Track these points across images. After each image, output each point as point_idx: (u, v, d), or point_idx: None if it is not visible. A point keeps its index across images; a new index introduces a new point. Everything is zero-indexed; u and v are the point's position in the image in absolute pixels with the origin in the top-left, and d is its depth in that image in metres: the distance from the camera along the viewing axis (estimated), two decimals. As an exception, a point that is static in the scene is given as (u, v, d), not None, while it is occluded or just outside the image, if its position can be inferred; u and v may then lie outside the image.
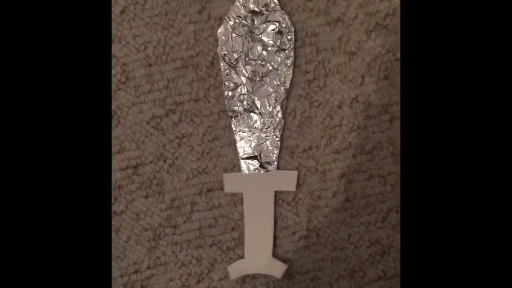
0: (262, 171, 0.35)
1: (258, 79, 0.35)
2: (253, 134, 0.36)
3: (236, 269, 0.36)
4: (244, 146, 0.36)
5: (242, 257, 0.36)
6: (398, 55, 0.35)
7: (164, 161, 0.36)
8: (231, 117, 0.36)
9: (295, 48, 0.35)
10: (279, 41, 0.35)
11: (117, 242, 0.37)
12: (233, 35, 0.35)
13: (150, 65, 0.36)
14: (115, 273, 0.37)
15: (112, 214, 0.36)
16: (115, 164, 0.36)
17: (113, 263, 0.36)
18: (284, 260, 0.36)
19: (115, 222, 0.36)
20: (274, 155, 0.35)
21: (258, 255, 0.36)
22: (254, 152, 0.35)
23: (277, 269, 0.35)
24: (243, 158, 0.36)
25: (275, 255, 0.36)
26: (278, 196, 0.36)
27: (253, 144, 0.35)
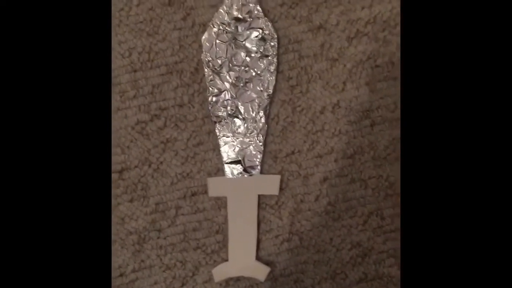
0: (245, 175, 0.36)
1: (241, 85, 0.36)
2: (237, 139, 0.36)
3: (220, 272, 0.36)
4: (228, 151, 0.36)
5: (226, 260, 0.37)
6: (379, 62, 0.36)
7: (149, 165, 0.37)
8: (215, 122, 0.36)
9: (278, 55, 0.36)
10: (262, 47, 0.36)
11: (102, 245, 0.37)
12: (217, 41, 0.36)
13: (135, 71, 0.36)
14: (100, 276, 0.37)
15: (97, 218, 0.37)
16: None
17: (98, 267, 0.37)
18: (267, 263, 0.36)
19: (100, 226, 0.37)
20: (258, 160, 0.36)
21: (241, 258, 0.36)
22: (237, 157, 0.36)
23: (260, 272, 0.36)
24: (227, 163, 0.36)
25: (258, 258, 0.37)
26: (261, 200, 0.37)
27: (236, 149, 0.36)
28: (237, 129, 0.36)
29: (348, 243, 0.37)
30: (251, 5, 0.36)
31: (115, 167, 0.37)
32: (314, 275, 0.37)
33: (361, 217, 0.37)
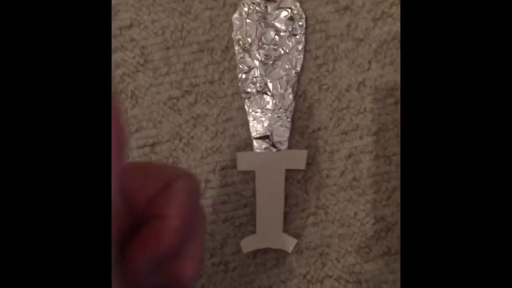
0: (273, 150, 0.37)
1: (270, 62, 0.37)
2: (265, 115, 0.37)
3: (248, 244, 0.37)
4: (256, 126, 0.37)
5: (254, 232, 0.38)
6: (403, 42, 0.37)
7: (180, 140, 0.38)
8: (245, 98, 0.37)
9: (306, 34, 0.37)
10: (290, 27, 0.37)
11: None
12: (247, 20, 0.37)
13: (168, 49, 0.38)
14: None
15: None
16: (133, 142, 0.38)
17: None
18: (293, 236, 0.38)
19: (132, 198, 0.38)
20: (285, 135, 0.37)
21: (269, 231, 0.37)
22: (266, 132, 0.37)
23: (288, 243, 0.37)
24: (255, 138, 0.37)
25: (285, 230, 0.38)
26: (288, 175, 0.38)
27: (265, 125, 0.37)
28: (265, 106, 0.37)
29: (372, 217, 0.38)
30: (280, -14, 0.37)
31: (147, 141, 0.38)
32: (339, 248, 0.38)
33: (385, 193, 0.38)
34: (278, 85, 0.37)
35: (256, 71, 0.37)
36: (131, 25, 0.38)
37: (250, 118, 0.37)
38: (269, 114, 0.37)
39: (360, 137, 0.38)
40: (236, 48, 0.37)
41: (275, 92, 0.37)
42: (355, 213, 0.38)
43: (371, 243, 0.38)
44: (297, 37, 0.37)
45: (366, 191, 0.38)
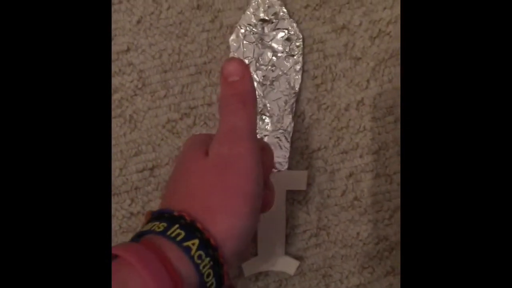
0: (274, 171, 0.37)
1: (268, 83, 0.37)
2: (265, 136, 0.37)
3: (250, 267, 0.37)
4: (256, 148, 0.37)
5: (256, 255, 0.37)
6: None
7: (179, 163, 0.38)
8: (243, 120, 0.37)
9: (303, 54, 0.37)
10: (288, 47, 0.37)
11: (134, 242, 0.38)
12: (244, 42, 0.37)
13: (166, 72, 0.38)
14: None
15: (129, 215, 0.38)
16: (132, 166, 0.38)
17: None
18: (295, 258, 0.37)
19: (132, 222, 0.38)
20: (285, 156, 0.37)
21: (271, 253, 0.37)
22: (265, 153, 0.37)
23: (290, 265, 0.37)
24: (255, 159, 0.37)
25: (287, 252, 0.37)
26: (289, 195, 0.37)
27: (264, 146, 0.37)
28: (265, 127, 0.37)
29: (374, 237, 0.37)
30: (276, 7, 0.37)
31: (146, 164, 0.38)
32: (342, 269, 0.37)
33: (387, 212, 0.37)
34: (277, 106, 0.37)
35: (254, 92, 0.37)
36: (128, 49, 0.38)
37: (249, 140, 0.37)
38: (268, 135, 0.37)
39: (361, 156, 0.37)
40: (233, 69, 0.37)
41: (273, 113, 0.37)
42: (357, 233, 0.37)
43: (375, 263, 0.37)
44: (295, 57, 0.37)
45: (367, 211, 0.37)
